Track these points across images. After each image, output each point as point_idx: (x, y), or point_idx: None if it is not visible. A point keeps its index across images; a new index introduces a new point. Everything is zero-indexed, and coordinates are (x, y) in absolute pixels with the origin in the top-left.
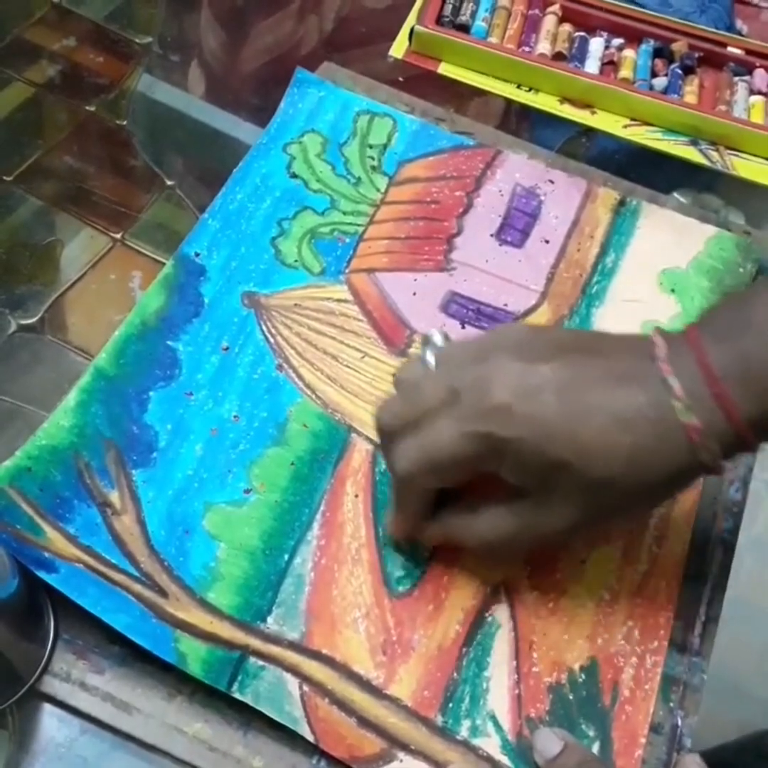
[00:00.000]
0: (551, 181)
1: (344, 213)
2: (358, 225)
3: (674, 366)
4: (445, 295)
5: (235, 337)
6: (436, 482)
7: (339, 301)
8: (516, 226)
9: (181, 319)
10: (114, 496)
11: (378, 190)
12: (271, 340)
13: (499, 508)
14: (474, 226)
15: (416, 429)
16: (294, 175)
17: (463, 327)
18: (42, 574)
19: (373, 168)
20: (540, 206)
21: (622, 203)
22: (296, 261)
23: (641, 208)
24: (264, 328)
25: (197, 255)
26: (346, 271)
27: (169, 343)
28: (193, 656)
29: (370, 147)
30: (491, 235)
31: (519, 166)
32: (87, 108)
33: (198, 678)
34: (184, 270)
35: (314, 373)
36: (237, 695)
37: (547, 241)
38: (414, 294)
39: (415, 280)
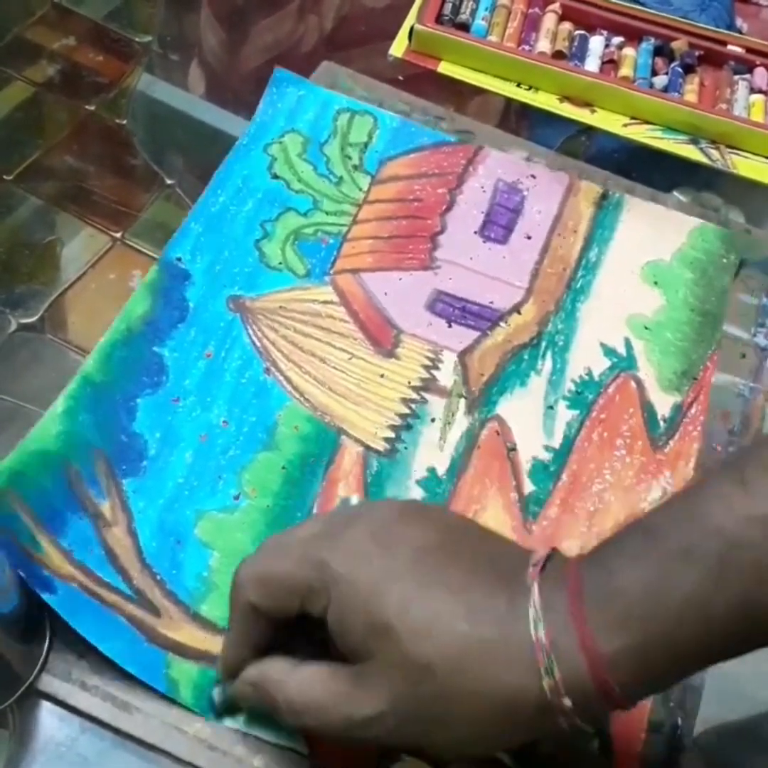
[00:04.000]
0: (533, 176)
1: (327, 213)
2: (342, 225)
3: (543, 576)
4: (431, 293)
5: (221, 341)
6: (261, 597)
7: (324, 302)
8: (499, 222)
9: (166, 324)
10: (105, 507)
11: (360, 189)
12: (258, 343)
13: (322, 667)
14: (457, 223)
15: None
16: (275, 176)
17: (450, 326)
18: (45, 596)
19: (355, 167)
20: (522, 201)
21: (604, 196)
22: (280, 263)
23: (624, 201)
24: (250, 331)
25: (179, 260)
26: (331, 272)
27: (154, 348)
28: (185, 681)
29: (351, 145)
30: (475, 232)
31: (501, 162)
32: (87, 107)
33: (189, 708)
34: (168, 274)
35: (302, 376)
36: (228, 724)
37: (529, 237)
38: (399, 293)
39: (401, 279)
